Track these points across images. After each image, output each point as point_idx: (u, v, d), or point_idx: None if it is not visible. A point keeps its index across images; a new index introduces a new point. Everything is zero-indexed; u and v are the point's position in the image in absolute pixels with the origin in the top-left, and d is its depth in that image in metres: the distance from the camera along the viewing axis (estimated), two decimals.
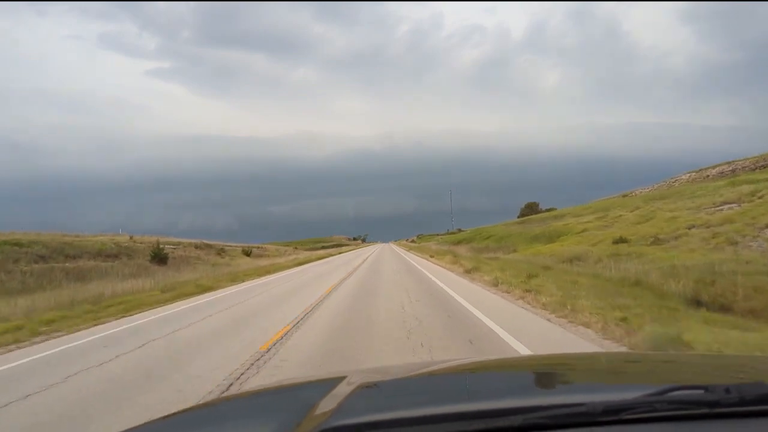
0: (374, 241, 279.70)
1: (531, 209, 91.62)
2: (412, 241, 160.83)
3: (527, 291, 10.95)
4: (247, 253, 47.38)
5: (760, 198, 20.55)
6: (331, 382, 1.58)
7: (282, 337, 7.43)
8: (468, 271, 18.41)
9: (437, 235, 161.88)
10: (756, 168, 29.87)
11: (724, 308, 8.81)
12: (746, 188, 22.47)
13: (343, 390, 1.45)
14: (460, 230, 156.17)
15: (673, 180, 44.18)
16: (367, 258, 38.29)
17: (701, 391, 1.14)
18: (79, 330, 9.48)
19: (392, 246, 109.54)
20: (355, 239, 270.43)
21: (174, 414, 1.56)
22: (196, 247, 39.97)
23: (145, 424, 1.40)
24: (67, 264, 23.67)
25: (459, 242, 52.42)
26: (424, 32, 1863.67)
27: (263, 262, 37.71)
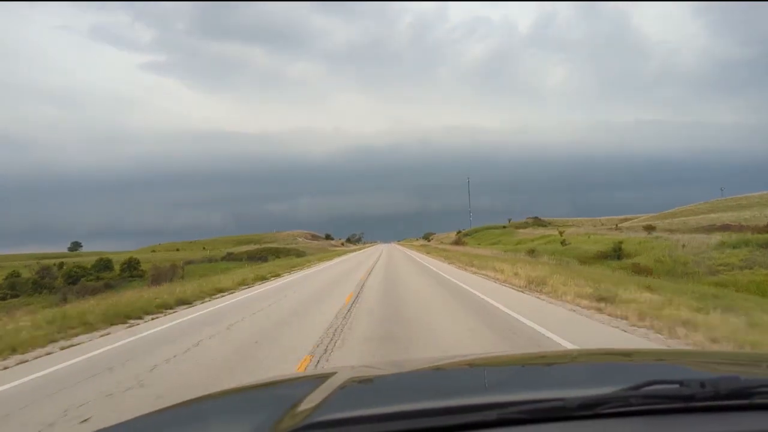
0: (374, 240, 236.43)
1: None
2: (423, 244, 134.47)
3: None
4: None
5: None
6: (320, 379, 1.56)
7: None
8: None
9: (457, 233, 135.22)
10: None
11: None
12: None
13: (328, 387, 1.44)
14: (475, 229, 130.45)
15: None
16: None
17: (676, 386, 1.12)
18: None
19: (400, 247, 71.54)
20: (346, 242, 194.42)
21: (156, 411, 1.51)
22: None
23: (126, 421, 1.37)
24: None
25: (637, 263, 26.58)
26: (428, 24, 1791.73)
27: None
